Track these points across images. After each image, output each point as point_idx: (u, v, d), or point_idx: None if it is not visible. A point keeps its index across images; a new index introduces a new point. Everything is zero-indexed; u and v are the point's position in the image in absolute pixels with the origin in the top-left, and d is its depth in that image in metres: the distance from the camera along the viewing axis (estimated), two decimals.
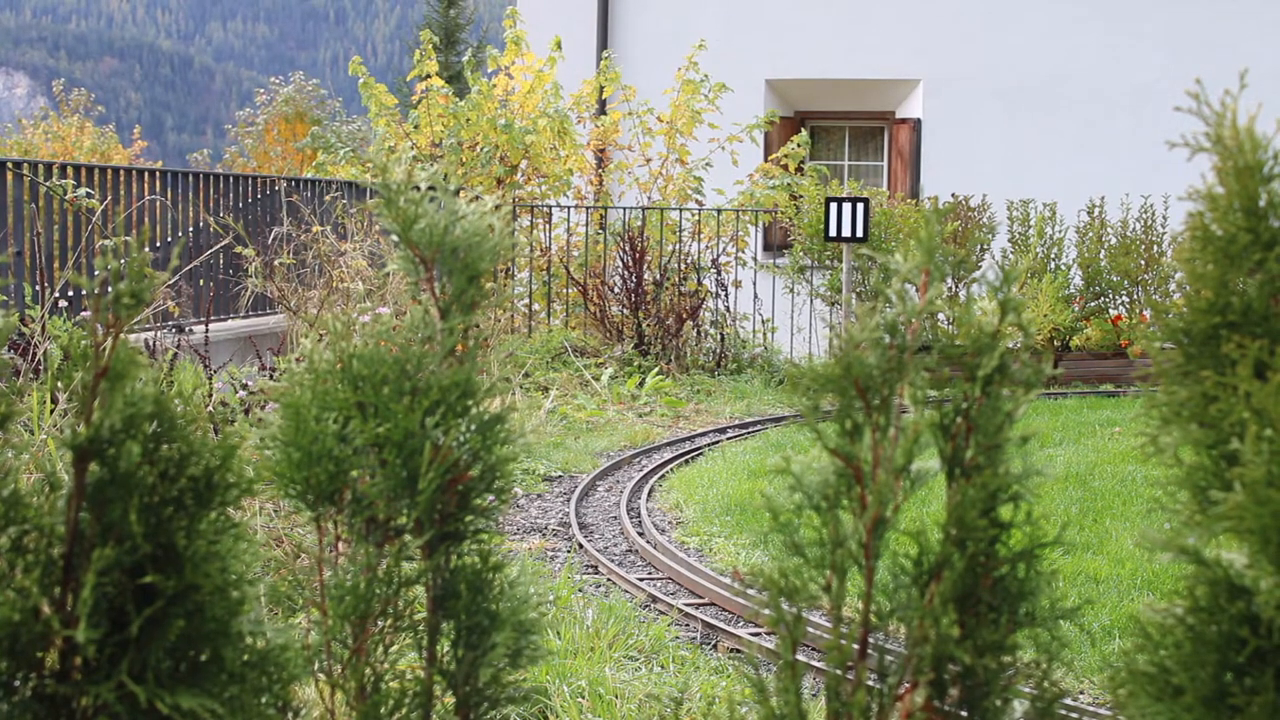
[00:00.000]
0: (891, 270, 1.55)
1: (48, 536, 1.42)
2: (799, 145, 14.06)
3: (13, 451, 1.44)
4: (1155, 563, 5.62)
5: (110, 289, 1.44)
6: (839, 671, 1.50)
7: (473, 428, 1.66)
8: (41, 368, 5.60)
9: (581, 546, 6.29)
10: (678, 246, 12.28)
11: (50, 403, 4.98)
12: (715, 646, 4.96)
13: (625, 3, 16.93)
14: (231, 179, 12.36)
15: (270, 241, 11.33)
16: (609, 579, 5.78)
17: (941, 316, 1.57)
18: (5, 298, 7.92)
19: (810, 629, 1.46)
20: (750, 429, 9.38)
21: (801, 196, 13.13)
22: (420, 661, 1.68)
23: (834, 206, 10.75)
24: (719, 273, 12.36)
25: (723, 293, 12.35)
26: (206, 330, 7.03)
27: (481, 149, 13.30)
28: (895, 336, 1.51)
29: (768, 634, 4.95)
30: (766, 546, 6.06)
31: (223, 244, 10.90)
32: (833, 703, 1.50)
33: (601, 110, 14.75)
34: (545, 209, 13.02)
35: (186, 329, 7.49)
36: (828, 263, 12.73)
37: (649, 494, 7.39)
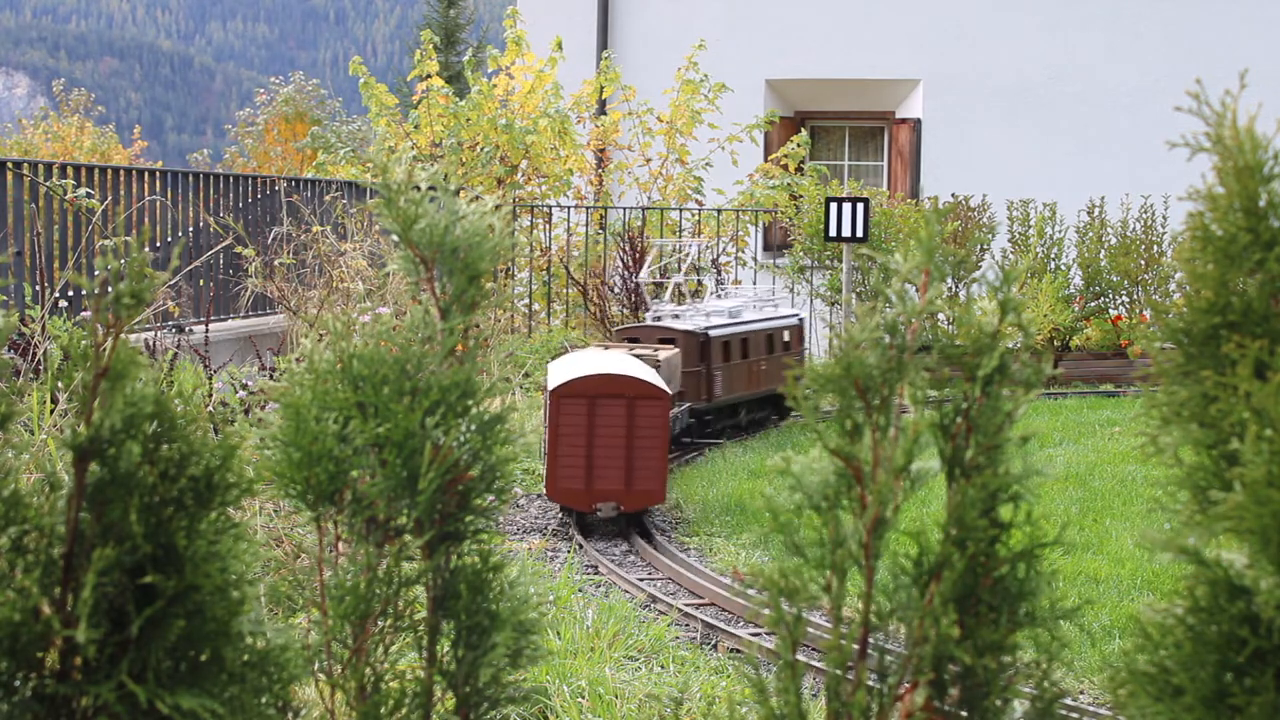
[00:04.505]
0: (891, 270, 1.55)
1: (48, 536, 1.42)
2: (799, 145, 14.05)
3: (13, 451, 1.44)
4: (1155, 563, 5.62)
5: (110, 289, 1.44)
6: (839, 671, 1.50)
7: (473, 428, 1.66)
8: (41, 368, 5.60)
9: (581, 546, 6.29)
10: (678, 246, 12.28)
11: (50, 403, 4.98)
12: (715, 646, 4.95)
13: (625, 3, 16.92)
14: (231, 179, 12.36)
15: (270, 241, 11.33)
16: (609, 579, 5.78)
17: (941, 316, 1.57)
18: (5, 298, 7.92)
19: (810, 629, 1.45)
20: (750, 429, 9.38)
21: (801, 196, 13.12)
22: (420, 661, 1.68)
23: (834, 206, 10.74)
24: (719, 272, 12.36)
25: (723, 293, 12.34)
26: (206, 330, 7.03)
27: (482, 149, 13.29)
28: (895, 336, 1.51)
29: (768, 634, 4.95)
30: (767, 547, 6.06)
31: (223, 244, 10.89)
32: (833, 703, 1.50)
33: (601, 110, 14.75)
34: (545, 209, 13.02)
35: (186, 329, 7.49)
36: (828, 263, 12.73)
37: None
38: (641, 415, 6.38)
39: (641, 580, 5.73)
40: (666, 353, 7.61)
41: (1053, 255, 13.10)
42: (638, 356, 7.08)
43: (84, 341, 1.43)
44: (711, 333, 8.50)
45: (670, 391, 6.59)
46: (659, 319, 8.75)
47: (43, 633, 1.39)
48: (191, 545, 1.43)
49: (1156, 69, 15.46)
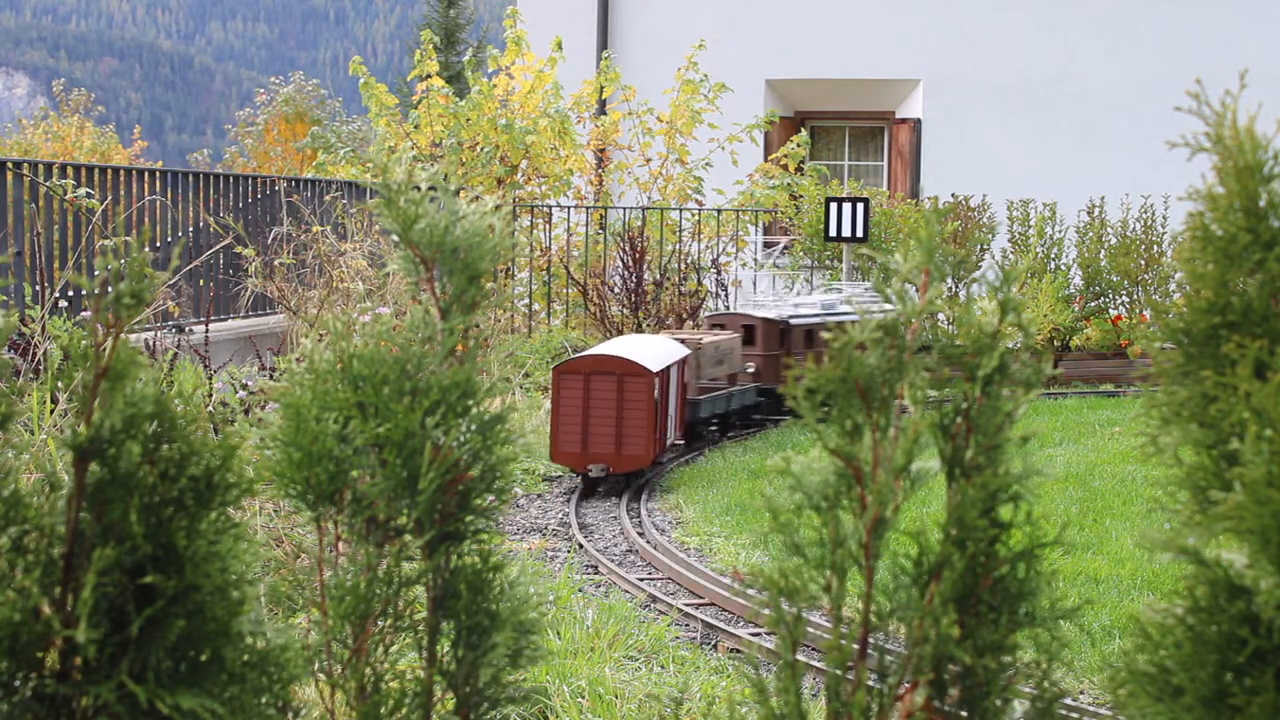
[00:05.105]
0: (891, 270, 1.55)
1: (48, 536, 1.42)
2: (799, 145, 14.05)
3: (13, 451, 1.44)
4: (1155, 563, 5.62)
5: (110, 289, 1.44)
6: (839, 671, 1.50)
7: (473, 428, 1.66)
8: (41, 368, 5.60)
9: (581, 546, 6.29)
10: (678, 246, 12.28)
11: (50, 403, 4.99)
12: (715, 646, 4.96)
13: (625, 3, 16.92)
14: (231, 179, 12.36)
15: (270, 241, 11.33)
16: (609, 579, 5.78)
17: (941, 316, 1.58)
18: (5, 298, 7.92)
19: (810, 629, 1.45)
20: (750, 429, 9.38)
21: (801, 196, 13.12)
22: (420, 661, 1.68)
23: (834, 206, 10.79)
24: (719, 272, 12.36)
25: (722, 293, 12.35)
26: (206, 330, 7.03)
27: (482, 149, 13.29)
28: (895, 336, 1.51)
29: (768, 634, 4.95)
30: (766, 547, 6.06)
31: (223, 244, 10.89)
32: (833, 703, 1.50)
33: (601, 110, 14.75)
34: (545, 209, 13.02)
35: (186, 329, 7.49)
36: (828, 263, 12.73)
37: (649, 494, 7.39)
38: (629, 390, 7.29)
39: (641, 580, 5.73)
40: (712, 337, 8.70)
41: (1053, 255, 13.10)
42: (681, 341, 8.23)
43: (84, 341, 1.43)
44: (792, 321, 9.55)
45: (653, 370, 7.33)
46: (746, 308, 10.05)
47: (43, 633, 1.39)
48: (191, 545, 1.43)
49: (1156, 69, 15.45)
